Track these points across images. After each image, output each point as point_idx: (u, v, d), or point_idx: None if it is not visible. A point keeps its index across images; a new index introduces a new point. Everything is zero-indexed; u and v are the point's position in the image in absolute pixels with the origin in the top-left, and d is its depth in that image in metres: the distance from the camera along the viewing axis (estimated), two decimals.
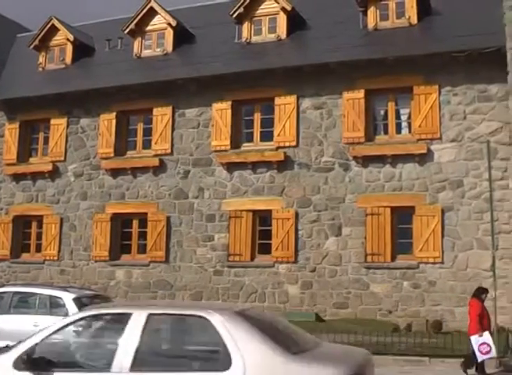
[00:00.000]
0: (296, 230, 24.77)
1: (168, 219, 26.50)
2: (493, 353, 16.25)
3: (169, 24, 29.13)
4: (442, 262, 23.09)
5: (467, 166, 23.29)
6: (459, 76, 23.54)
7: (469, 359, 16.56)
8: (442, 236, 23.23)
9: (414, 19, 25.61)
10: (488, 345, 16.14)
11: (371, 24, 26.08)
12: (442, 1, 25.96)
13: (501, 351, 17.95)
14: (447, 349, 18.50)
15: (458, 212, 23.22)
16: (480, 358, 16.14)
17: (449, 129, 23.62)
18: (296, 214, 24.82)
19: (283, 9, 27.29)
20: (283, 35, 27.29)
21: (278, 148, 25.34)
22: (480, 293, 17.14)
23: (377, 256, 23.71)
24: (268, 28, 27.63)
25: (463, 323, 21.83)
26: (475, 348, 16.17)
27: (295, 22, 27.52)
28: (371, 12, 26.13)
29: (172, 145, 26.89)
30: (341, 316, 23.57)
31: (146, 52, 29.63)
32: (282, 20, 27.44)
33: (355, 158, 24.40)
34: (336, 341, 19.02)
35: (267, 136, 25.85)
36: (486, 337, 16.23)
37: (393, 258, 23.74)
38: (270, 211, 25.25)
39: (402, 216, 24.03)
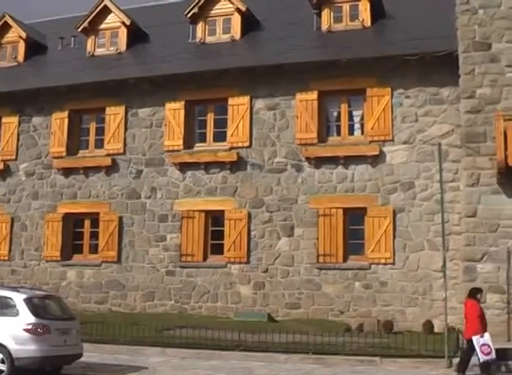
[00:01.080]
0: (249, 230, 24.78)
1: (120, 219, 26.32)
2: (494, 354, 16.29)
3: (123, 23, 29.02)
4: (394, 263, 23.30)
5: (419, 167, 23.53)
6: (411, 79, 23.77)
7: (464, 362, 16.62)
8: (394, 237, 23.44)
9: (368, 22, 25.92)
10: (489, 346, 16.24)
11: (324, 26, 26.29)
12: (396, 5, 26.27)
13: (451, 351, 18.17)
14: (398, 349, 18.65)
15: (409, 214, 23.44)
16: (482, 359, 16.15)
17: (401, 131, 23.83)
18: (249, 214, 24.82)
19: (238, 10, 27.35)
20: (237, 36, 27.37)
21: (231, 148, 25.32)
22: (475, 293, 17.25)
23: (329, 257, 23.82)
24: (223, 28, 27.69)
25: (414, 323, 22.25)
26: (477, 349, 16.22)
27: (249, 23, 27.62)
28: (325, 14, 26.34)
29: (125, 145, 26.71)
30: (293, 316, 23.63)
31: (99, 51, 29.48)
32: (236, 21, 27.51)
33: (308, 159, 24.49)
34: (288, 342, 19.16)
35: (220, 136, 25.82)
36: (487, 337, 16.34)
37: (345, 259, 23.87)
38: (223, 211, 25.22)
39: (354, 217, 24.19)
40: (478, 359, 16.27)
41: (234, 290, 24.66)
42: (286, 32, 26.44)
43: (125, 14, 29.04)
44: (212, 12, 27.79)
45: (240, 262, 24.68)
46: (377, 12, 26.16)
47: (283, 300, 24.05)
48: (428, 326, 21.72)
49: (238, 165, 25.13)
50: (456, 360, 17.61)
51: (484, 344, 16.26)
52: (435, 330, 21.47)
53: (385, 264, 23.39)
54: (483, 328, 16.49)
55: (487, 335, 16.37)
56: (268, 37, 27.00)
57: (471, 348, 16.51)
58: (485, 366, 16.28)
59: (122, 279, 26.07)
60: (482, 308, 17.08)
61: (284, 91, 24.96)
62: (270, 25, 27.56)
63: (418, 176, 23.53)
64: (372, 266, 23.49)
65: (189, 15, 27.76)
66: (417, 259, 23.10)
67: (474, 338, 16.34)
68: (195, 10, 27.60)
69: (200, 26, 27.93)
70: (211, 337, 19.73)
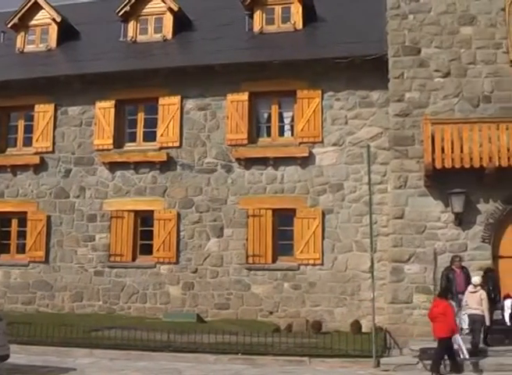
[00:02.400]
0: (178, 230, 24.70)
1: (48, 218, 25.94)
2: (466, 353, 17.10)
3: (54, 20, 28.61)
4: (322, 264, 23.50)
5: (348, 169, 23.79)
6: (341, 81, 24.00)
7: (437, 361, 17.08)
8: (323, 238, 23.65)
9: (300, 25, 26.09)
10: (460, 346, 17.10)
11: (256, 28, 26.38)
12: (328, 9, 26.51)
13: (379, 350, 18.44)
14: (327, 349, 18.81)
15: (338, 215, 23.68)
16: (464, 355, 17.09)
17: (331, 133, 24.06)
18: (178, 215, 24.75)
19: (170, 9, 27.23)
20: (169, 35, 27.25)
21: (161, 148, 25.18)
22: (446, 294, 18.10)
23: (258, 257, 23.90)
24: (154, 28, 27.49)
25: (342, 323, 22.48)
26: (462, 346, 17.10)
27: (181, 22, 27.53)
28: (257, 15, 26.42)
29: (54, 143, 26.32)
30: (222, 316, 23.63)
31: (29, 48, 29.00)
32: (168, 20, 27.37)
33: (238, 159, 24.53)
34: (217, 342, 19.19)
35: (150, 136, 25.63)
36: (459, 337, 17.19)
37: (274, 260, 23.98)
38: (152, 211, 25.08)
39: (283, 218, 24.31)
40: (462, 356, 17.16)
41: (163, 290, 24.54)
42: (218, 33, 26.44)
43: (56, 11, 28.62)
44: (144, 10, 27.58)
45: (169, 263, 24.59)
46: (309, 15, 26.35)
47: (212, 300, 24.04)
48: (356, 326, 21.95)
49: (168, 165, 25.02)
50: (384, 360, 17.95)
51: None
52: (363, 329, 21.69)
53: (313, 265, 23.57)
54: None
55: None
56: (200, 38, 26.93)
57: (445, 347, 17.07)
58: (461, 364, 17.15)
59: (50, 279, 25.69)
60: None
61: (215, 91, 24.93)
62: (202, 25, 27.53)
63: (347, 178, 23.78)
64: (301, 266, 23.65)
65: (120, 13, 27.53)
66: (346, 260, 23.35)
67: (457, 337, 17.18)
68: (127, 9, 27.37)
69: (131, 25, 27.70)
70: (140, 337, 19.66)
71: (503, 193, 20.75)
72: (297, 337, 19.88)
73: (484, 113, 21.14)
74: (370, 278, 19.92)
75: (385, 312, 21.06)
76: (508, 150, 20.11)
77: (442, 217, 21.00)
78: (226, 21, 26.73)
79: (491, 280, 19.42)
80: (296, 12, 26.14)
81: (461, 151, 20.30)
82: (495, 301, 19.04)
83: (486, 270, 19.78)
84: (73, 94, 26.14)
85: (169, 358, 18.68)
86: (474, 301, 18.33)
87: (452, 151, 20.32)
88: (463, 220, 20.81)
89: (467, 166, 20.24)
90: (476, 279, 18.78)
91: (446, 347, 17.18)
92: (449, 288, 19.33)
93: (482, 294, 18.43)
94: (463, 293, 19.05)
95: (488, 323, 18.20)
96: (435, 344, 17.85)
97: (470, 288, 18.67)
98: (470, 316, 18.36)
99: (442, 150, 20.34)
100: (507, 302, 19.22)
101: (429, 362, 17.44)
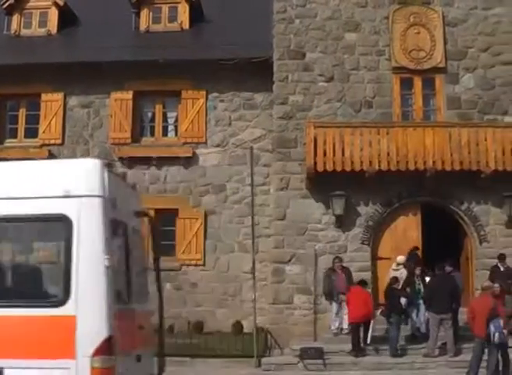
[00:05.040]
0: None
1: None
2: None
3: None
4: (204, 265, 23.57)
5: (231, 170, 23.92)
6: (226, 83, 24.12)
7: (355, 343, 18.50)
8: (205, 239, 23.70)
9: (186, 25, 26.06)
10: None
11: (143, 26, 26.17)
12: (215, 9, 26.57)
13: (260, 350, 18.63)
14: (208, 349, 18.95)
15: (221, 216, 23.78)
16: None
17: (215, 134, 24.15)
18: None
19: (55, 4, 26.59)
20: (54, 30, 26.60)
21: (42, 145, 24.58)
22: (364, 282, 19.32)
23: None
24: (39, 22, 26.73)
25: (223, 323, 22.50)
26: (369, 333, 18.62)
27: (67, 18, 26.95)
28: (144, 14, 26.21)
29: None
30: None
31: None
32: (53, 15, 26.75)
33: (121, 159, 24.27)
34: None
35: (32, 133, 25.03)
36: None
37: None
38: None
39: (165, 218, 24.08)
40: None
41: None
42: (103, 30, 25.97)
43: None
44: (29, 4, 26.78)
45: None
46: (196, 15, 26.37)
47: None
48: (238, 326, 22.07)
49: None
50: (265, 359, 18.18)
51: None
52: (245, 330, 21.76)
53: (195, 265, 23.61)
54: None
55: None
56: (86, 34, 26.43)
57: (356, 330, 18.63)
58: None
59: None
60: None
61: (99, 89, 24.56)
62: (88, 22, 27.00)
63: (230, 179, 23.91)
64: (183, 267, 23.63)
65: (5, 6, 26.74)
66: (228, 261, 23.49)
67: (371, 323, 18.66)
68: (11, 1, 26.51)
69: (15, 18, 26.83)
70: None
71: (383, 196, 21.34)
72: (179, 337, 19.76)
73: (365, 118, 21.70)
74: (251, 279, 20.02)
75: (267, 313, 21.28)
76: (388, 154, 20.72)
77: (323, 219, 21.41)
78: (113, 18, 26.34)
79: (413, 259, 20.25)
80: (183, 12, 26.12)
81: (343, 154, 20.76)
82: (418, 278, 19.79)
83: (411, 250, 20.63)
84: None
85: None
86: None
87: (334, 155, 20.76)
88: (343, 222, 21.28)
89: (348, 169, 20.71)
90: (399, 258, 20.07)
91: (358, 330, 18.53)
92: (331, 289, 19.76)
93: (403, 272, 19.69)
94: (344, 293, 19.53)
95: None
96: (314, 344, 18.35)
97: (393, 266, 20.02)
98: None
99: (324, 153, 20.75)
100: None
101: (310, 361, 17.79)
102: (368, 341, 18.69)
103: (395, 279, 19.25)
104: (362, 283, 19.53)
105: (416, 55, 22.03)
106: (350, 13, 22.36)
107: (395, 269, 20.07)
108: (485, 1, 22.40)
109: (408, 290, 19.36)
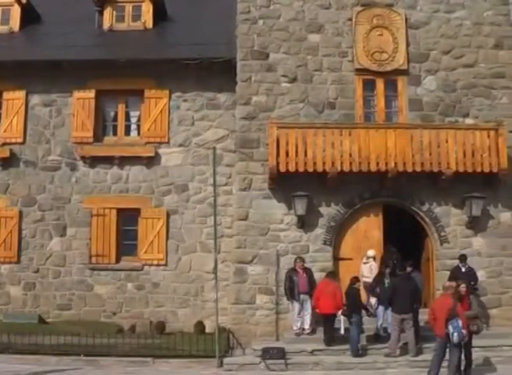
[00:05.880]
0: (20, 229, 23.95)
1: None
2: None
3: None
4: (166, 265, 23.51)
5: (193, 170, 23.91)
6: (189, 82, 24.07)
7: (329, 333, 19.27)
8: (167, 238, 23.66)
9: (150, 24, 26.00)
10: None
11: (106, 25, 26.04)
12: (179, 9, 26.63)
13: (222, 350, 18.65)
14: (170, 350, 18.93)
15: (183, 216, 23.75)
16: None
17: (178, 134, 24.11)
18: (21, 213, 24.04)
19: (18, 1, 26.33)
20: (16, 28, 26.35)
21: (3, 144, 24.30)
22: (334, 274, 20.08)
23: (101, 258, 23.58)
24: (1, 19, 26.44)
25: (185, 323, 22.58)
26: (342, 325, 18.98)
27: (30, 15, 26.74)
28: (108, 12, 26.08)
29: None
30: (65, 317, 23.12)
31: None
32: (15, 12, 26.50)
33: (83, 158, 24.12)
34: (59, 344, 18.86)
35: None
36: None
37: (118, 260, 23.75)
38: None
39: (127, 218, 24.07)
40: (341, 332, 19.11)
41: (3, 291, 23.68)
42: (66, 28, 25.77)
43: None
44: None
45: (10, 262, 23.76)
46: (160, 14, 26.32)
47: (55, 301, 23.47)
48: (200, 326, 22.12)
49: (10, 161, 24.20)
50: (227, 359, 18.23)
51: None
52: (207, 330, 21.90)
53: (157, 265, 23.55)
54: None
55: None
56: (48, 32, 26.15)
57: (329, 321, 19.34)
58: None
59: None
60: None
61: (61, 87, 24.35)
62: (51, 19, 26.83)
63: (193, 179, 23.91)
64: (145, 267, 23.56)
65: None
66: (190, 261, 23.48)
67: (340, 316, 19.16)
68: None
69: None
70: None
71: (345, 197, 21.49)
72: (141, 337, 19.79)
73: (328, 119, 21.80)
74: (213, 279, 20.04)
75: (229, 313, 21.32)
76: (350, 155, 20.85)
77: (286, 219, 21.49)
78: (76, 16, 26.18)
79: (389, 255, 20.61)
80: (147, 11, 26.04)
81: (305, 155, 20.84)
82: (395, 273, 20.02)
83: (387, 247, 21.21)
84: None
85: (9, 361, 18.21)
86: (366, 270, 20.57)
87: (296, 155, 20.84)
88: (305, 223, 21.37)
89: (310, 170, 20.81)
90: (369, 252, 20.67)
91: (329, 321, 19.10)
92: (292, 289, 19.84)
93: (373, 265, 20.41)
94: (305, 293, 19.69)
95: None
96: (276, 344, 18.49)
97: (364, 259, 20.65)
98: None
99: (287, 154, 20.82)
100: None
101: (271, 361, 17.86)
102: (342, 331, 18.98)
103: (355, 278, 19.41)
104: (331, 274, 19.94)
105: (379, 56, 22.19)
106: (314, 15, 22.46)
107: (365, 262, 20.65)
108: (448, 5, 22.68)
109: (378, 289, 19.53)
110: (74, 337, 19.14)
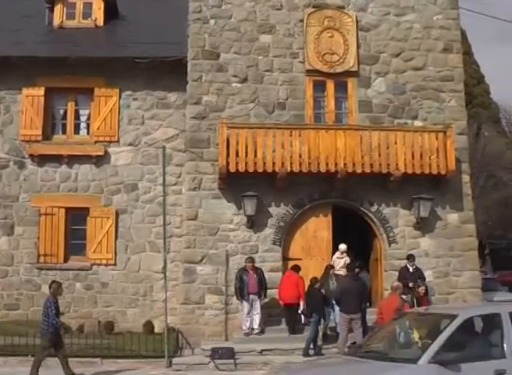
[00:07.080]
0: None
1: None
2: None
3: None
4: (115, 264, 23.39)
5: (143, 170, 23.81)
6: (140, 81, 23.96)
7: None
8: (116, 238, 23.54)
9: (101, 22, 25.79)
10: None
11: (56, 22, 25.73)
12: (130, 7, 26.48)
13: (171, 350, 18.62)
14: (119, 350, 18.87)
15: (132, 215, 23.65)
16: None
17: (127, 133, 23.99)
18: None
19: None
20: None
21: None
22: (298, 268, 20.39)
23: (50, 257, 23.35)
24: None
25: (134, 323, 22.49)
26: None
27: None
28: (58, 9, 25.77)
29: None
30: (12, 317, 22.77)
31: None
32: None
33: (31, 156, 23.86)
34: (6, 344, 18.63)
35: None
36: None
37: (66, 260, 23.54)
38: None
39: (76, 217, 23.88)
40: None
41: None
42: (16, 24, 25.42)
43: None
44: None
45: None
46: (110, 12, 26.13)
47: (2, 301, 23.13)
48: (149, 326, 22.08)
49: None
50: (176, 359, 18.22)
51: None
52: (156, 330, 21.88)
53: (106, 265, 23.42)
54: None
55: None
56: None
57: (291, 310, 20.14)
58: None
59: None
60: None
61: (10, 84, 24.03)
62: (0, 16, 26.32)
63: (142, 179, 23.81)
64: (94, 266, 23.41)
65: None
66: (139, 261, 23.39)
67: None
68: None
69: None
70: None
71: (294, 197, 21.58)
72: (89, 337, 19.60)
73: (278, 119, 21.89)
74: (163, 279, 19.95)
75: (178, 313, 21.28)
76: (300, 156, 20.93)
77: (235, 219, 21.52)
78: (26, 13, 25.88)
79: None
80: (98, 8, 25.84)
81: (255, 155, 20.88)
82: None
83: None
84: None
85: None
86: (340, 265, 20.86)
87: (246, 155, 20.87)
88: (255, 223, 21.43)
89: (260, 170, 20.86)
90: (342, 246, 21.11)
91: (291, 311, 19.78)
92: (242, 289, 19.89)
93: (347, 259, 20.91)
94: (255, 294, 19.75)
95: None
96: (225, 344, 18.55)
97: (337, 254, 21.08)
98: (336, 276, 20.39)
99: (237, 154, 20.83)
100: None
101: (221, 361, 17.89)
102: (303, 321, 19.59)
103: (315, 279, 19.59)
104: (295, 268, 20.42)
105: (329, 58, 22.32)
106: (265, 15, 22.51)
107: (339, 257, 21.06)
108: (398, 8, 22.90)
109: (323, 291, 19.68)
110: (21, 337, 18.89)
